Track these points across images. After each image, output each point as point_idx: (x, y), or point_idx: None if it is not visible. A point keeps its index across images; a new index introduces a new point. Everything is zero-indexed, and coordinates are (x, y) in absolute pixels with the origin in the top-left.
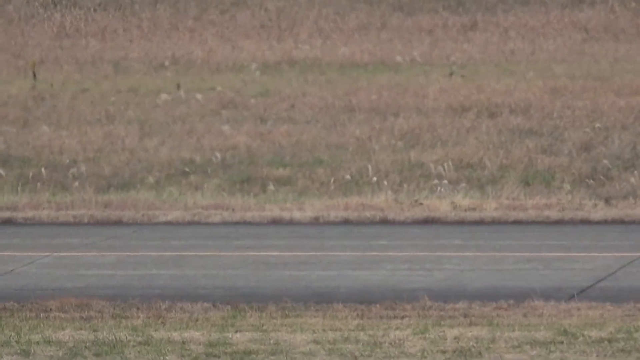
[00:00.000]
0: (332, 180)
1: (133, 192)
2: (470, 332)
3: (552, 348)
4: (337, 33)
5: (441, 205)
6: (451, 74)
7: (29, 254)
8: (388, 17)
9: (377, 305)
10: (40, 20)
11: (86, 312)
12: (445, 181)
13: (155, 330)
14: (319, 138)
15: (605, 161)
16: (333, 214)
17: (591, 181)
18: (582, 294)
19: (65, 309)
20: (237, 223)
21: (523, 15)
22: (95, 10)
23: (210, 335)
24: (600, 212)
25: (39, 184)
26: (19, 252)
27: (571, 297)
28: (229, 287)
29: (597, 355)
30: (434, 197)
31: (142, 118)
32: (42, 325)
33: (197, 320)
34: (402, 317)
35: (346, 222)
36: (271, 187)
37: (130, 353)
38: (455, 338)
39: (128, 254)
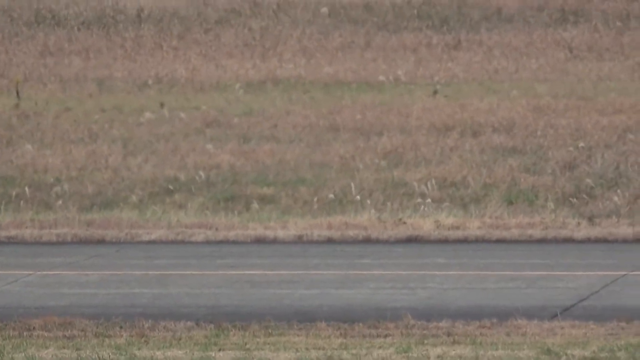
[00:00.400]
0: (316, 199)
1: (116, 211)
2: (454, 350)
3: None
4: (321, 52)
5: (425, 224)
6: (435, 92)
7: (12, 272)
8: (372, 36)
9: (360, 324)
10: (24, 39)
11: (69, 330)
12: (429, 200)
13: (139, 349)
14: (302, 157)
15: (588, 180)
16: (316, 233)
17: (574, 200)
18: (566, 312)
19: (49, 328)
20: (220, 242)
21: (507, 35)
22: (78, 29)
23: (193, 354)
24: (584, 230)
25: (22, 203)
26: (2, 270)
27: (554, 316)
28: (212, 305)
29: None
30: (417, 215)
31: (126, 137)
32: (25, 344)
33: (180, 339)
34: (385, 336)
35: (329, 240)
36: (255, 205)
37: None
38: (438, 357)
39: (111, 272)
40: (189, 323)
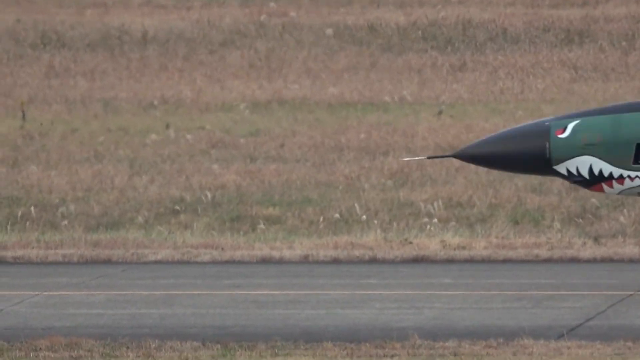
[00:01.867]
0: (322, 219)
1: (122, 231)
2: None
3: None
4: (326, 73)
5: (431, 244)
6: (440, 113)
7: (18, 293)
8: (377, 57)
9: (367, 344)
10: (30, 60)
11: (76, 351)
12: (435, 220)
13: None
14: (308, 177)
15: (594, 200)
16: (322, 253)
17: (580, 220)
18: (572, 332)
19: (55, 348)
20: (226, 262)
21: (512, 55)
22: (84, 50)
23: None
24: (589, 250)
25: (28, 223)
26: (8, 291)
27: (561, 336)
28: (218, 326)
29: None
30: (423, 235)
31: (132, 157)
32: None
33: (186, 359)
34: (392, 356)
35: (335, 261)
36: (261, 225)
37: None
38: None
39: (117, 293)
40: (195, 343)
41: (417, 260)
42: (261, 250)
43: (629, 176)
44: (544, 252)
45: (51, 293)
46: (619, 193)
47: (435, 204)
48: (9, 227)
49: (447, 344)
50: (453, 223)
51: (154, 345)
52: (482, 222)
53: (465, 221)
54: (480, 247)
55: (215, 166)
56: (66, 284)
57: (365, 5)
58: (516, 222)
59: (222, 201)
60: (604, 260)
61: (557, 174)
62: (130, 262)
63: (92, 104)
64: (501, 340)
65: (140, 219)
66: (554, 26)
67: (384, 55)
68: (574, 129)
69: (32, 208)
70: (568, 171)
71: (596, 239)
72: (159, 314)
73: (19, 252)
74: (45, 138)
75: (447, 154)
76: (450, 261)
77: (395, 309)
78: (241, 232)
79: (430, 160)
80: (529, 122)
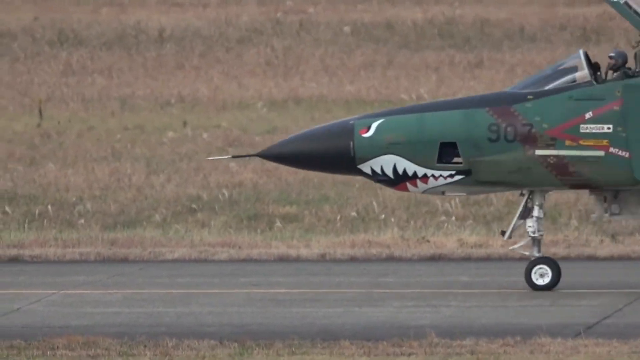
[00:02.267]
0: (339, 217)
1: (139, 230)
2: None
3: None
4: (343, 70)
5: (448, 242)
6: None
7: (36, 291)
8: (394, 54)
9: (384, 342)
10: (46, 58)
11: (93, 350)
12: (453, 218)
13: None
14: (325, 175)
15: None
16: (340, 251)
17: None
18: (589, 330)
19: (72, 347)
20: (244, 260)
21: (529, 53)
22: (101, 48)
23: None
24: (607, 248)
25: (45, 222)
26: (26, 290)
27: (578, 334)
28: (236, 324)
29: None
30: (440, 233)
31: (149, 155)
32: None
33: (204, 357)
34: (409, 354)
35: (353, 259)
36: (278, 224)
37: None
38: None
39: (134, 291)
40: (212, 342)
41: (434, 259)
42: (278, 248)
43: (433, 175)
44: (561, 250)
45: (68, 291)
46: (423, 192)
47: (453, 202)
48: (26, 226)
49: (464, 342)
50: (470, 221)
51: (171, 344)
52: (499, 220)
53: (482, 219)
54: (497, 245)
55: (232, 164)
56: (83, 282)
57: (382, 3)
58: None
59: (239, 199)
60: (622, 258)
61: (362, 173)
62: (147, 261)
63: (109, 102)
64: (518, 338)
65: (157, 217)
66: (570, 24)
67: (401, 52)
68: (377, 128)
69: (49, 206)
70: (372, 170)
71: (613, 237)
72: (176, 312)
73: (37, 251)
74: (62, 136)
75: (251, 153)
76: (467, 259)
77: (412, 307)
78: (258, 231)
79: None
80: (335, 121)
